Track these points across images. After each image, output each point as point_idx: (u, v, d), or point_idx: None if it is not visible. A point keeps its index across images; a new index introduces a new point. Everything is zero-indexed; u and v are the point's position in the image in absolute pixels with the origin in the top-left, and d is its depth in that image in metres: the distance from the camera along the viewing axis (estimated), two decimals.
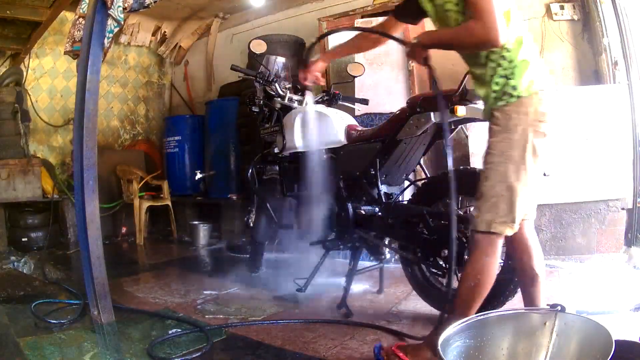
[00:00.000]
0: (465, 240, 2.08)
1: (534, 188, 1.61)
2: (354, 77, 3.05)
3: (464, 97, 2.02)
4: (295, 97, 2.88)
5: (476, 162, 3.39)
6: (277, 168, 2.92)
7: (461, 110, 1.98)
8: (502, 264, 2.13)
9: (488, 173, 1.62)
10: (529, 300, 1.73)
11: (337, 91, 3.00)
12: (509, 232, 1.59)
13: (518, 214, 1.58)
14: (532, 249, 1.76)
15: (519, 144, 1.55)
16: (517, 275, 1.86)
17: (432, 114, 2.09)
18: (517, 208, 1.57)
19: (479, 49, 1.58)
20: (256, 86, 2.94)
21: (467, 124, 3.07)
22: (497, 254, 1.62)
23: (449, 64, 4.00)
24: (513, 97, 1.55)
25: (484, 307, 1.92)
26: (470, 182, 2.12)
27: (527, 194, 1.58)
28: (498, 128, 1.59)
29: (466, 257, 2.05)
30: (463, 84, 2.01)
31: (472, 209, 2.08)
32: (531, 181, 1.58)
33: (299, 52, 4.78)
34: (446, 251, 2.08)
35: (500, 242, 1.62)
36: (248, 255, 3.47)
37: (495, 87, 1.58)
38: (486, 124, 1.89)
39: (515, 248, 1.78)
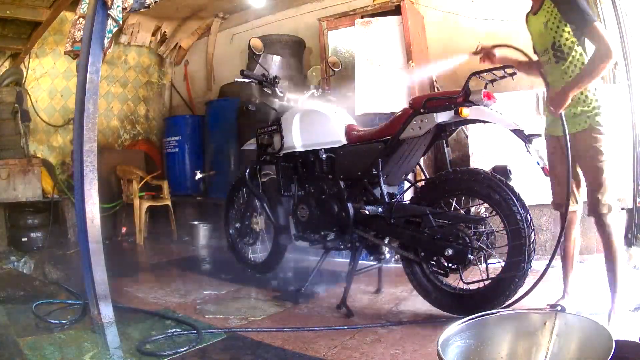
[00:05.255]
0: (468, 240, 2.09)
1: None
2: (334, 70, 3.11)
3: (468, 98, 2.02)
4: (292, 97, 2.89)
5: (476, 162, 3.39)
6: (275, 168, 2.92)
7: (466, 112, 1.99)
8: (503, 263, 2.14)
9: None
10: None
11: (327, 87, 3.06)
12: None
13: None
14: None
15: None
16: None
17: (435, 114, 2.10)
18: None
19: (602, 71, 1.89)
20: (252, 85, 2.94)
21: (467, 125, 3.06)
22: None
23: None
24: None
25: (483, 307, 1.93)
26: (471, 182, 2.14)
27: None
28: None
29: (470, 256, 2.06)
30: (467, 86, 2.02)
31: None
32: None
33: (299, 52, 4.78)
34: (450, 250, 2.09)
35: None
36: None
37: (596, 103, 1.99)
38: (486, 125, 1.94)
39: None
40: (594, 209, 2.04)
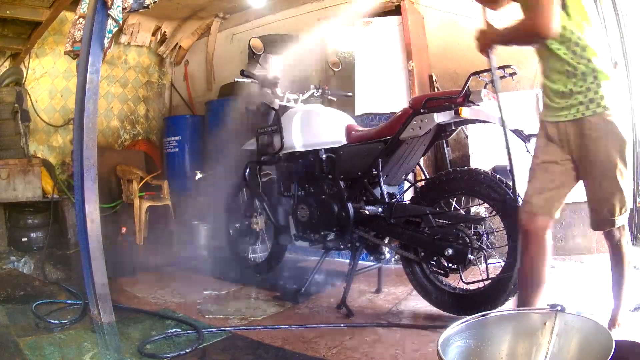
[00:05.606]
0: (468, 240, 2.09)
1: None
2: (334, 70, 3.11)
3: (468, 98, 2.03)
4: (292, 96, 2.89)
5: (476, 162, 3.39)
6: (275, 168, 2.92)
7: (465, 112, 1.99)
8: (502, 263, 2.14)
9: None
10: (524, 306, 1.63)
11: (326, 87, 3.08)
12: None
13: None
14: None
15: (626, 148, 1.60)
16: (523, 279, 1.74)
17: (435, 114, 2.10)
18: None
19: (532, 42, 1.62)
20: (252, 85, 2.95)
21: (467, 125, 3.07)
22: None
23: (450, 66, 4.02)
24: (605, 107, 1.56)
25: (483, 307, 1.93)
26: (472, 182, 2.14)
27: None
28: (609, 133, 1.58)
29: (470, 256, 2.06)
30: (467, 86, 2.02)
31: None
32: None
33: (299, 51, 4.78)
34: (450, 250, 2.09)
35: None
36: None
37: (589, 95, 1.57)
38: (486, 125, 1.92)
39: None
40: (601, 226, 1.70)
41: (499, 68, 2.04)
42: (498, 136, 3.01)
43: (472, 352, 1.30)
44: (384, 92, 3.68)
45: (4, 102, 4.33)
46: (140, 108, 6.08)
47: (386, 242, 2.42)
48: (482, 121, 2.08)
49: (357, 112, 3.62)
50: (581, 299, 2.29)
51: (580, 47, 1.57)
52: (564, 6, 1.56)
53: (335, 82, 3.94)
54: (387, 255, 2.58)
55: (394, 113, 2.44)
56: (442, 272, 2.25)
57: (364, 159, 2.40)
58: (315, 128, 2.66)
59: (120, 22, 2.32)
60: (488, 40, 1.78)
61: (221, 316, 2.40)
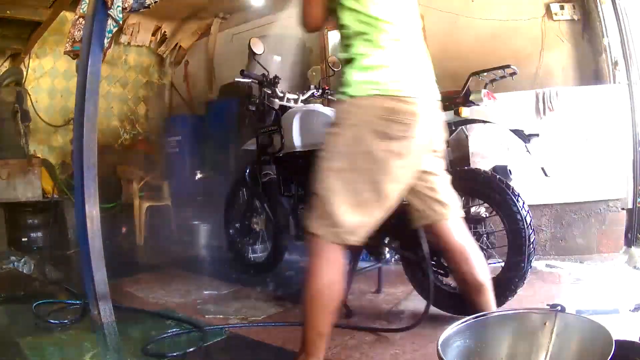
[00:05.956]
0: None
1: (383, 197, 1.41)
2: (334, 70, 3.10)
3: (468, 98, 2.03)
4: (292, 97, 2.89)
5: (476, 162, 3.39)
6: (275, 168, 2.92)
7: (465, 112, 1.99)
8: (502, 263, 2.14)
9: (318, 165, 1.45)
10: (478, 311, 1.49)
11: (327, 87, 3.06)
12: (335, 239, 1.39)
13: (342, 221, 1.37)
14: (469, 255, 1.63)
15: (351, 142, 1.39)
16: (459, 286, 1.71)
17: None
18: (337, 213, 1.37)
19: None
20: (252, 85, 2.95)
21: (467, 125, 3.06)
22: (326, 260, 1.41)
23: (450, 66, 4.01)
24: (346, 93, 1.41)
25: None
26: (472, 182, 2.14)
27: (353, 200, 1.38)
28: (334, 120, 1.44)
29: None
30: (467, 86, 2.02)
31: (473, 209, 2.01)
32: (368, 187, 1.38)
33: (299, 51, 4.78)
34: None
35: (331, 249, 1.40)
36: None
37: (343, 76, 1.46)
38: (486, 125, 1.91)
39: (450, 257, 1.67)
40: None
41: (499, 68, 2.04)
42: (498, 136, 3.02)
43: (472, 352, 1.30)
44: None
45: (4, 102, 4.33)
46: (140, 108, 6.09)
47: (386, 242, 2.42)
48: (482, 121, 2.08)
49: None
50: (581, 299, 2.29)
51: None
52: None
53: (335, 82, 3.94)
54: (387, 255, 2.58)
55: None
56: (442, 272, 2.25)
57: None
58: (315, 128, 2.66)
59: (120, 22, 2.32)
60: None
61: (221, 316, 2.39)
